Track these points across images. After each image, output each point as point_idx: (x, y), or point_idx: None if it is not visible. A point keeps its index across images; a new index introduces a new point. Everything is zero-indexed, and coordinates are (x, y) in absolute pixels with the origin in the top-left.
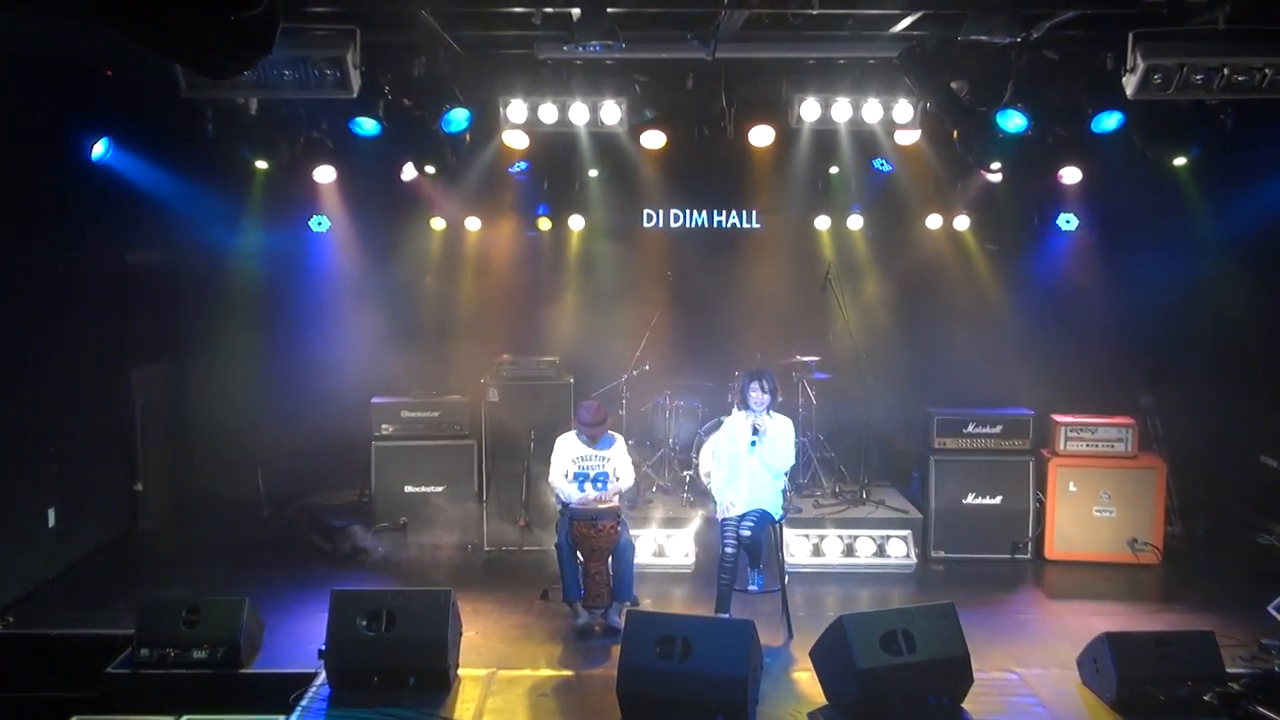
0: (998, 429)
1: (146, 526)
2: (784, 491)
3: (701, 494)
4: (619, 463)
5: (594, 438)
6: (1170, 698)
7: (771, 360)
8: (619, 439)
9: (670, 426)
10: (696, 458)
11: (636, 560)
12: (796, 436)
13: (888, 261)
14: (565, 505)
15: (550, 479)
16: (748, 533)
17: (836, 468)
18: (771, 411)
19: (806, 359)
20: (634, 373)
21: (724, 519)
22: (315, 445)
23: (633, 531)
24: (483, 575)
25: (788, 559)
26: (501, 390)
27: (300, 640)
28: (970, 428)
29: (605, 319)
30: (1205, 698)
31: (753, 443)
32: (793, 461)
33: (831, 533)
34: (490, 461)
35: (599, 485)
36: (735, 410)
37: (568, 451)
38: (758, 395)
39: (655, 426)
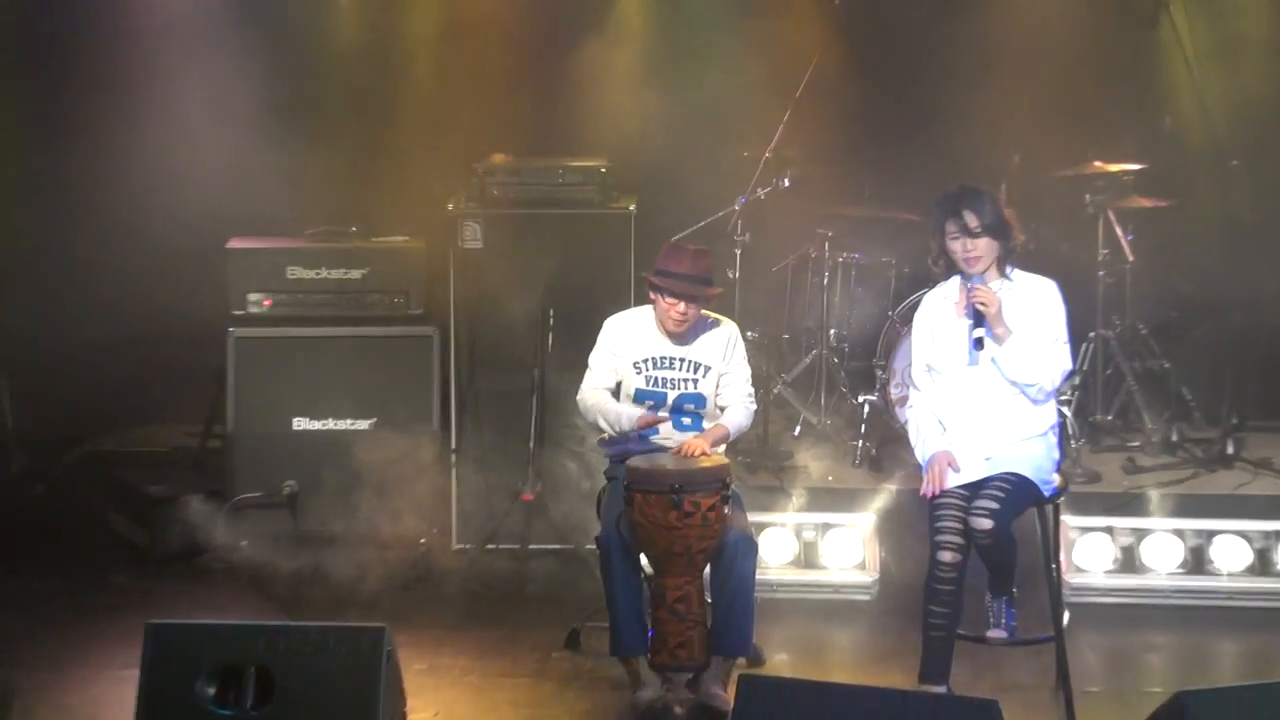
0: None
1: None
2: (1057, 435)
3: (892, 442)
4: (732, 378)
5: (683, 323)
6: None
7: (1042, 168)
8: (732, 331)
9: (833, 304)
10: (885, 371)
11: (762, 577)
12: (1076, 319)
13: None
14: (617, 455)
15: (587, 399)
16: (985, 524)
17: (1175, 393)
18: (1011, 270)
19: (1118, 169)
20: (760, 194)
21: (935, 498)
22: (119, 340)
23: (757, 518)
24: (451, 599)
25: (1071, 578)
26: (489, 226)
27: None
28: None
29: (699, 88)
30: None
31: (975, 342)
32: (1069, 368)
33: (1162, 525)
34: (467, 370)
35: (688, 420)
36: (939, 282)
37: (629, 347)
38: (960, 246)
39: (800, 303)
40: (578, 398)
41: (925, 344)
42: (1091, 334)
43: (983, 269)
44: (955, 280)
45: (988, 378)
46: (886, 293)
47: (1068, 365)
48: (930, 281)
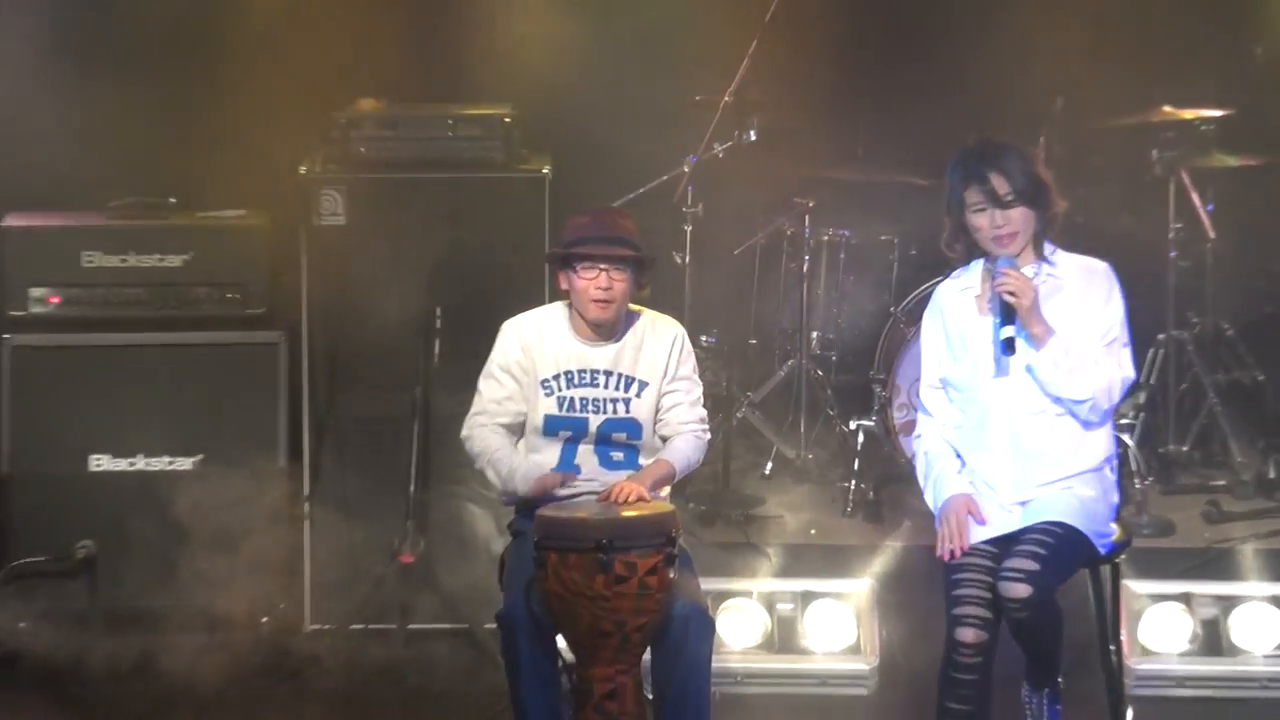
0: None
1: None
2: (1116, 472)
3: (895, 483)
4: (677, 396)
5: (608, 304)
6: None
7: (1093, 115)
8: (676, 334)
9: (816, 298)
10: (885, 388)
11: (721, 664)
12: (1140, 316)
13: None
14: (519, 503)
15: (473, 441)
16: (1020, 591)
17: (1272, 415)
18: (1052, 251)
19: (1193, 115)
20: (718, 150)
21: (954, 559)
22: None
23: (714, 585)
24: (304, 699)
25: (1136, 663)
26: (355, 196)
27: None
28: None
29: (634, 9)
30: None
31: (1004, 345)
32: (1131, 379)
33: (1258, 591)
34: (326, 389)
35: (619, 455)
36: (955, 268)
37: (535, 360)
38: (987, 220)
39: (772, 298)
40: (463, 436)
41: (939, 350)
42: (1161, 336)
43: (1016, 249)
44: (977, 266)
45: (1022, 393)
46: (887, 283)
47: (1129, 375)
48: (944, 268)
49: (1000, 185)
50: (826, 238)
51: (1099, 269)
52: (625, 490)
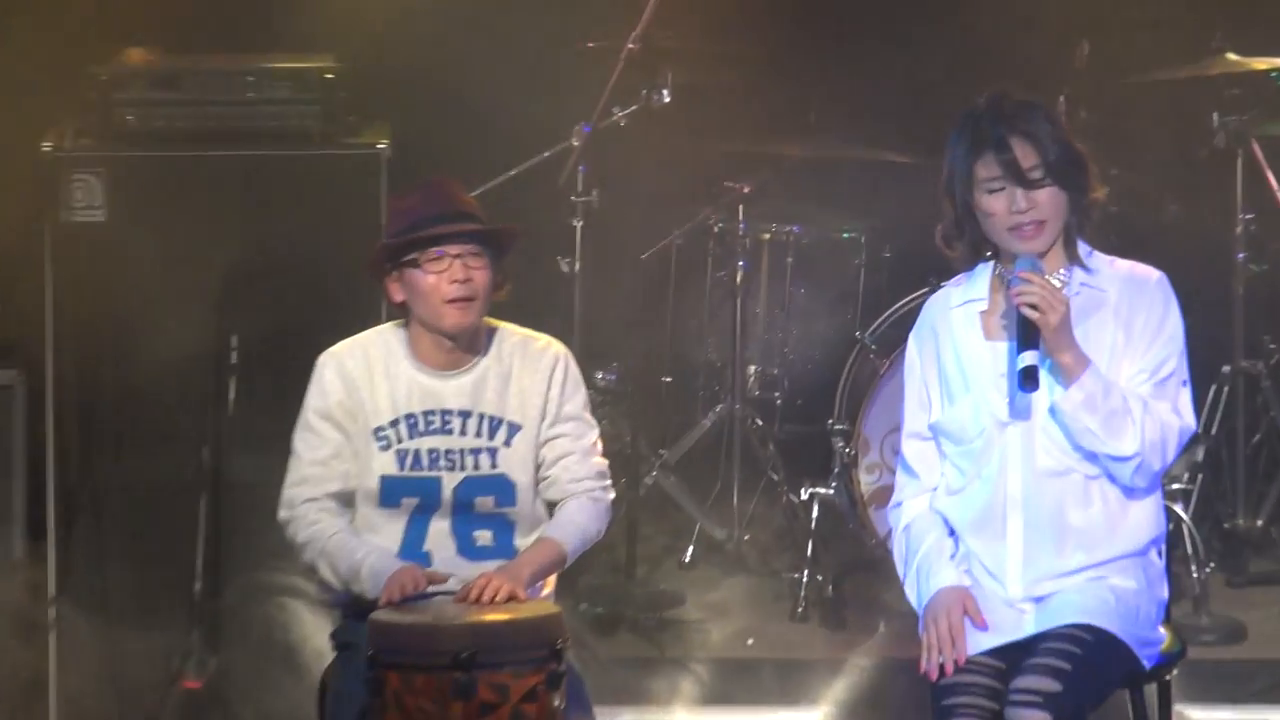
0: None
1: None
2: (1164, 556)
3: (863, 572)
4: (563, 444)
5: (470, 301)
6: None
7: (1129, 66)
8: (558, 358)
9: (753, 319)
10: (849, 442)
11: None
12: (1199, 342)
13: None
14: (351, 605)
15: (297, 525)
16: (1035, 717)
17: None
18: (1089, 254)
19: (1267, 65)
20: (618, 117)
21: (943, 678)
22: None
23: (615, 717)
24: None
25: None
26: (119, 181)
27: None
28: None
29: None
30: None
31: (1022, 377)
32: (1191, 429)
33: None
34: (80, 448)
35: (484, 536)
36: (953, 275)
37: (364, 401)
38: (1005, 203)
39: (693, 319)
40: (281, 518)
41: (928, 386)
42: (1226, 369)
43: (1042, 246)
44: (985, 271)
45: (1043, 446)
46: (851, 298)
47: (1189, 424)
48: (932, 276)
49: (1026, 155)
50: (768, 236)
51: (1151, 280)
52: (492, 585)
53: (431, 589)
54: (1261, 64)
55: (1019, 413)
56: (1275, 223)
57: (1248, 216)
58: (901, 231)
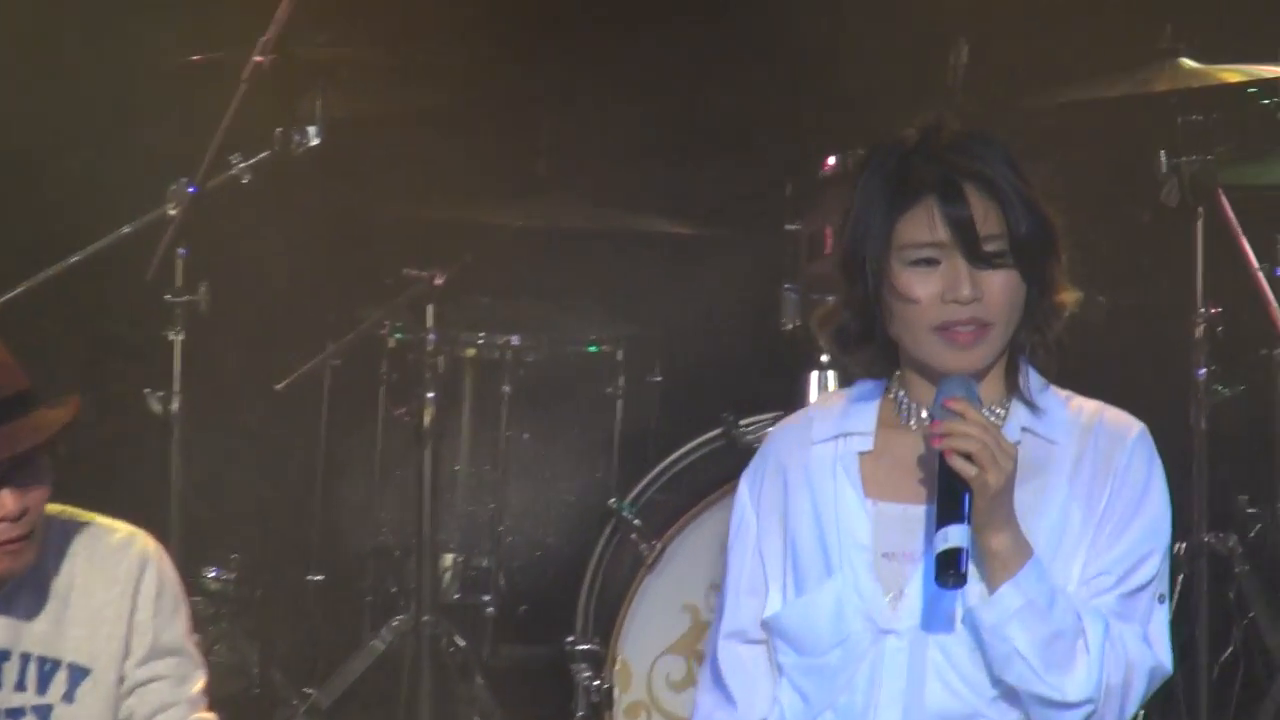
0: None
1: None
2: None
3: None
4: (156, 692)
5: (16, 569)
6: None
7: (1016, 82)
8: (134, 548)
9: (449, 477)
10: (601, 670)
11: None
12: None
13: None
14: None
15: None
16: None
17: None
18: (1042, 389)
19: (1239, 77)
20: (237, 169)
21: None
22: None
23: None
24: None
25: None
26: None
27: None
28: None
29: None
30: None
31: (939, 567)
32: (1166, 669)
33: None
34: None
35: None
36: (818, 405)
37: None
38: (939, 284)
39: (359, 476)
40: None
41: (764, 560)
42: (1181, 546)
43: (981, 363)
44: (869, 393)
45: (938, 669)
46: (604, 446)
47: (1163, 662)
48: (731, 411)
49: (985, 217)
50: (473, 352)
51: (1129, 436)
52: None
53: None
54: (1231, 74)
55: (933, 619)
56: (1253, 321)
57: (1213, 311)
58: (678, 341)
